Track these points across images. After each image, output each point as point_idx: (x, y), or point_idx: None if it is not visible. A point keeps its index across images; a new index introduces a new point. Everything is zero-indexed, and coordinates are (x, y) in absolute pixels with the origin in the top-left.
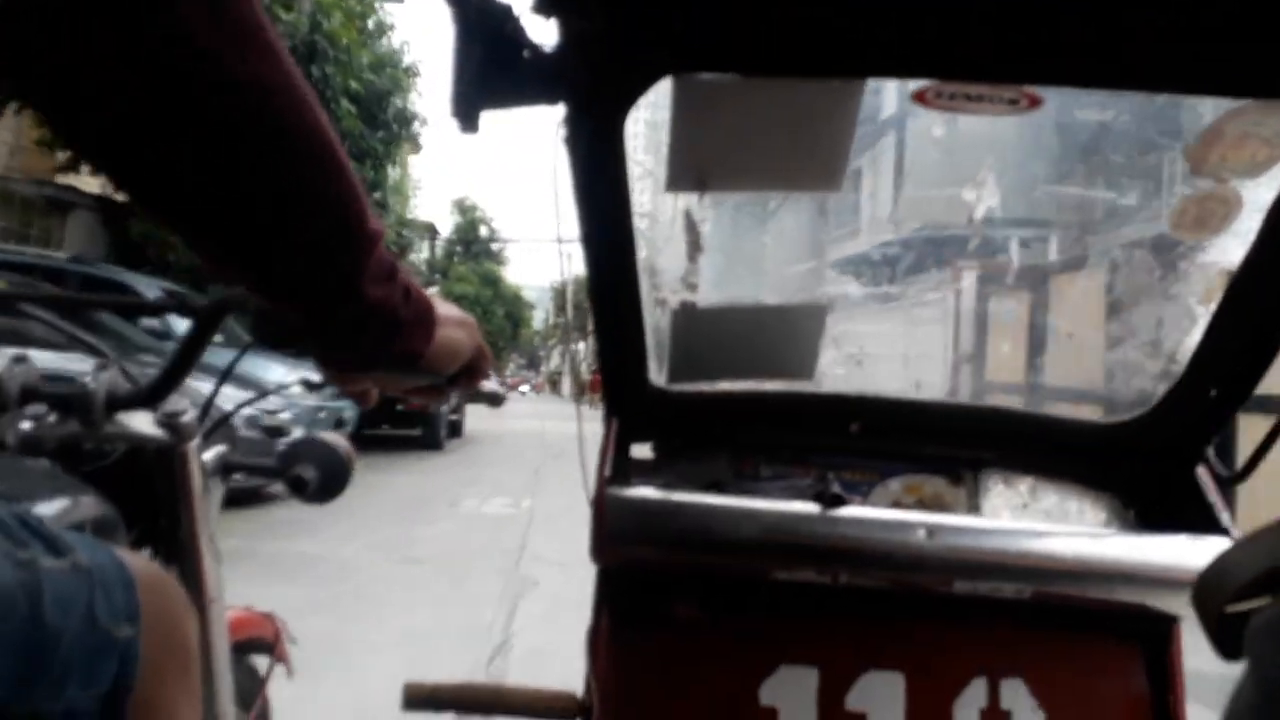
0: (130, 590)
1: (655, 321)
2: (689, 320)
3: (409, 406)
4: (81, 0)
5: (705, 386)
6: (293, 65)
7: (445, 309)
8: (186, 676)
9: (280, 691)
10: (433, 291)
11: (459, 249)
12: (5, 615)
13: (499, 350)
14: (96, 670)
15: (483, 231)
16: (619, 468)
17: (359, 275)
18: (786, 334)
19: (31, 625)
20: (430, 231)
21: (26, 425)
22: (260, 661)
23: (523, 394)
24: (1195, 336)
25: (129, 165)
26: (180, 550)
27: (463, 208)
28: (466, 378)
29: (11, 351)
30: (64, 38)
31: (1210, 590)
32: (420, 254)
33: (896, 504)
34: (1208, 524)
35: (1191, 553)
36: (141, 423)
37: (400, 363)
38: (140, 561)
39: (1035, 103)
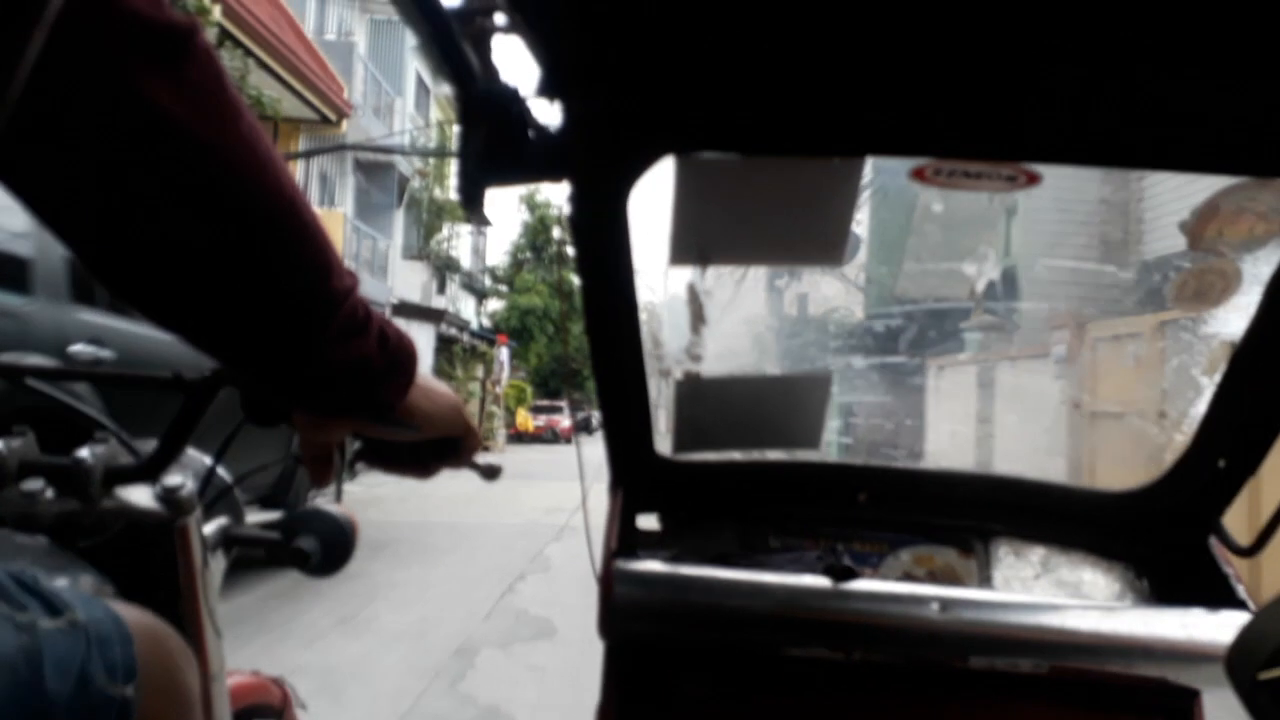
0: (128, 646)
1: (660, 392)
2: (693, 390)
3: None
4: (39, 67)
5: (711, 456)
6: (256, 126)
7: (433, 381)
8: None
9: None
10: (494, 307)
11: (528, 254)
12: (7, 683)
13: (582, 379)
14: None
15: (556, 233)
16: (625, 539)
17: (323, 336)
18: (792, 404)
19: (31, 692)
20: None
21: (22, 501)
22: None
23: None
24: (1200, 407)
25: (80, 227)
26: (180, 626)
27: (532, 203)
28: (453, 455)
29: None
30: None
31: (1243, 657)
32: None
33: (907, 575)
34: (1223, 595)
35: (1210, 626)
36: (140, 497)
37: (373, 411)
38: (136, 614)
39: (1033, 179)
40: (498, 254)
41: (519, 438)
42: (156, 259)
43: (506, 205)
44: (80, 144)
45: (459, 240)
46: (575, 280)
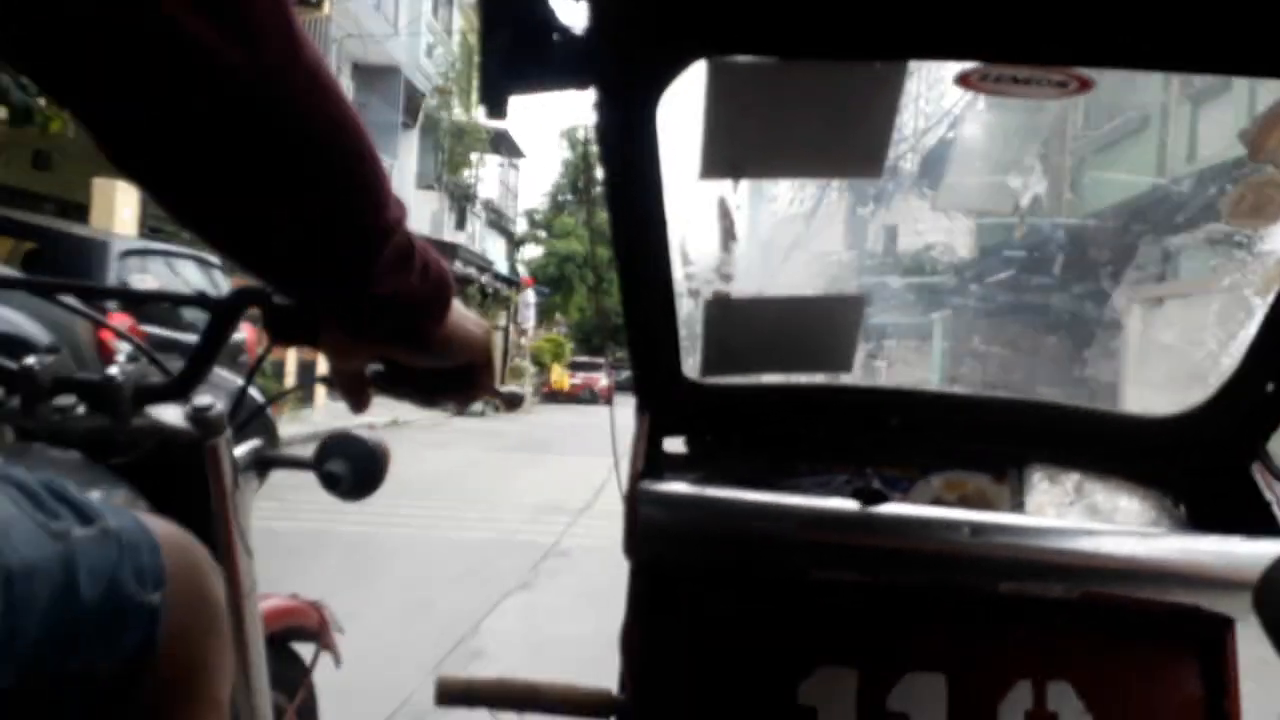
0: (155, 554)
1: (688, 313)
2: (723, 312)
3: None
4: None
5: (740, 380)
6: (316, 52)
7: (461, 306)
8: (214, 637)
9: None
10: (532, 255)
11: (569, 195)
12: (43, 590)
13: (624, 335)
14: (122, 636)
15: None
16: (652, 462)
17: (373, 267)
18: (824, 326)
19: (66, 598)
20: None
21: (57, 417)
22: (305, 650)
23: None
24: (1251, 329)
25: (136, 150)
26: (212, 546)
27: (573, 140)
28: (472, 384)
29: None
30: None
31: (1273, 589)
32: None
33: (938, 501)
34: (1264, 523)
35: (1248, 553)
36: (171, 416)
37: (411, 341)
38: (164, 525)
39: (1085, 85)
40: (535, 196)
41: (553, 396)
42: (220, 180)
43: (546, 141)
44: (138, 76)
45: (484, 170)
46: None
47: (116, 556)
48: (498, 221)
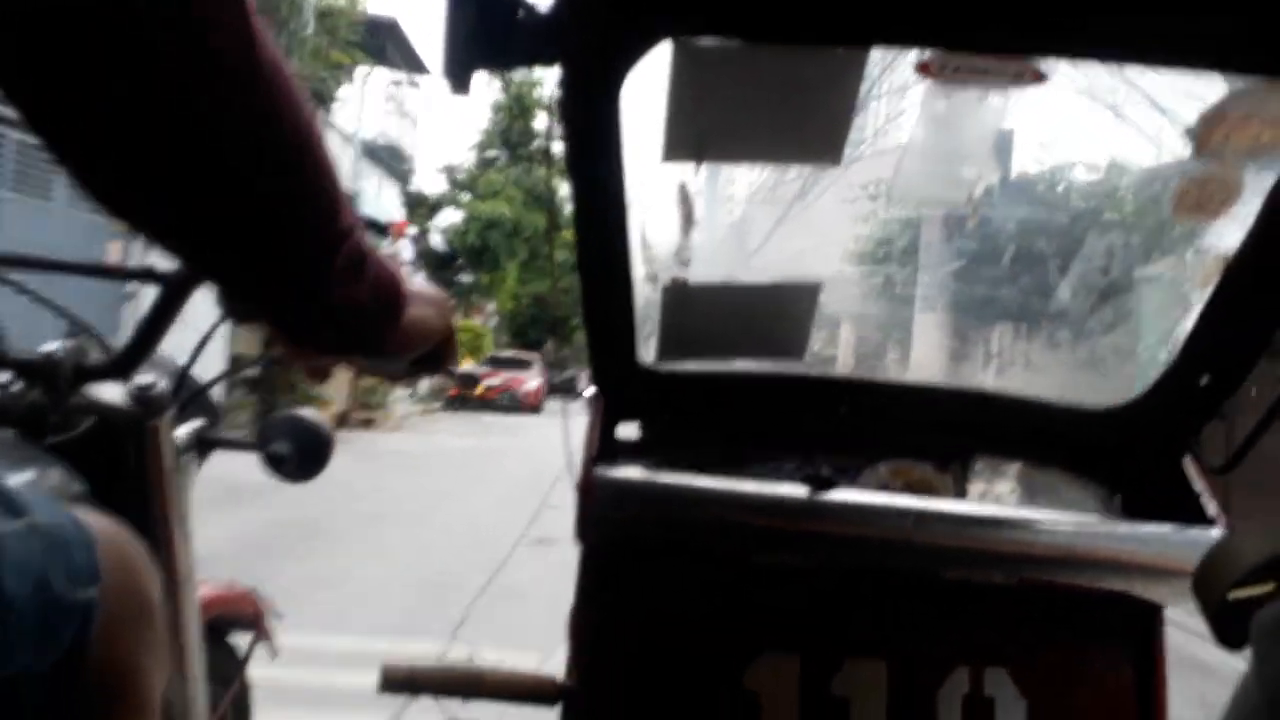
0: (89, 551)
1: (645, 298)
2: (680, 297)
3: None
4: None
5: (694, 366)
6: (276, 53)
7: (418, 285)
8: (149, 634)
9: None
10: (447, 218)
11: (500, 149)
12: None
13: (570, 328)
14: (52, 635)
15: (539, 123)
16: (605, 447)
17: (326, 275)
18: (778, 313)
19: None
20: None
21: None
22: (241, 639)
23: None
24: (1188, 323)
25: (89, 145)
26: (151, 528)
27: (506, 86)
28: (433, 363)
29: None
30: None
31: (1212, 576)
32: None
33: (884, 487)
34: (1195, 514)
35: (1178, 542)
36: (111, 394)
37: (364, 349)
38: (100, 520)
39: (1039, 77)
40: (458, 151)
41: (459, 402)
42: (171, 183)
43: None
44: (92, 76)
45: (359, 80)
46: (561, 186)
47: (45, 553)
48: (384, 156)
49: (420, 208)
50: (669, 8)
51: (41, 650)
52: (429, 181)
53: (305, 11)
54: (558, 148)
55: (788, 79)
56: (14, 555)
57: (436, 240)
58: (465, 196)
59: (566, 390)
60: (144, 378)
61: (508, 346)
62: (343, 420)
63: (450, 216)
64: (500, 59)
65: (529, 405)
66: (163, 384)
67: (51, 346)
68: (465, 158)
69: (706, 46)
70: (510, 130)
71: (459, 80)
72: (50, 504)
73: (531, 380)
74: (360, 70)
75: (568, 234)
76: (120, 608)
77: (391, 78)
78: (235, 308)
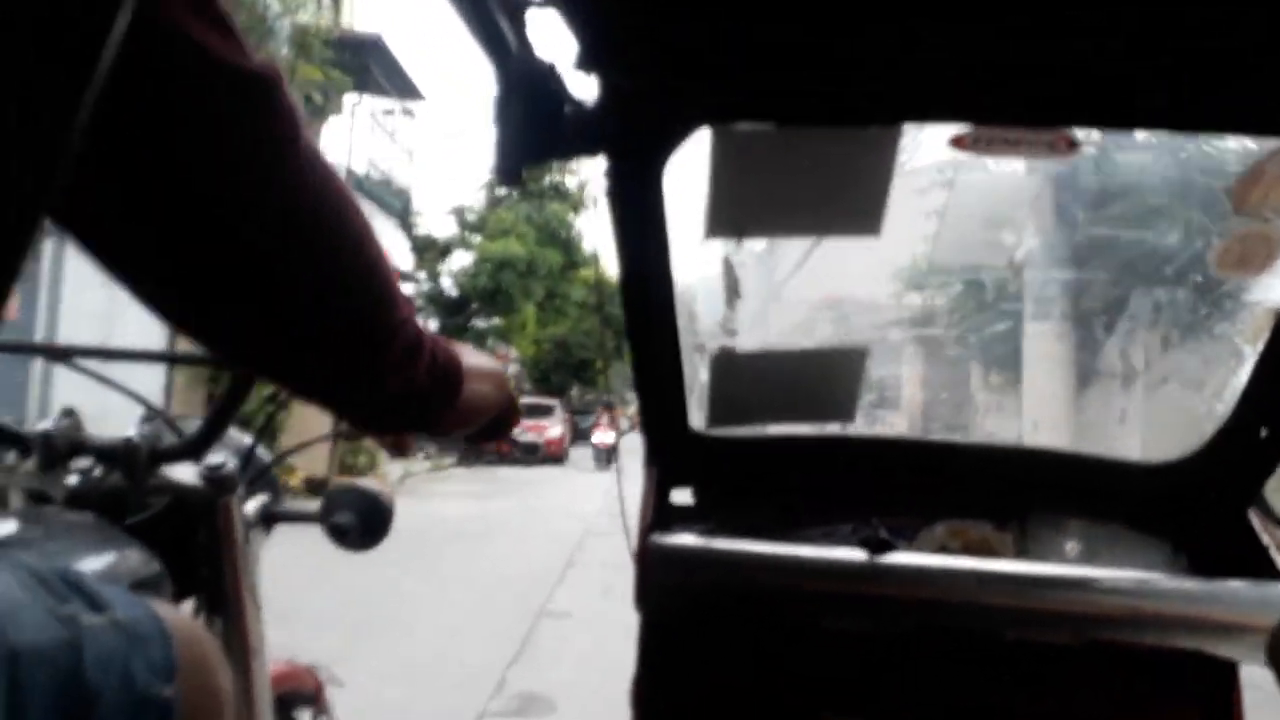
0: (168, 646)
1: (694, 367)
2: (728, 365)
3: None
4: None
5: (745, 431)
6: (329, 164)
7: (473, 359)
8: None
9: None
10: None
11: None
12: (48, 673)
13: (594, 371)
14: None
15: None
16: (660, 515)
17: (383, 367)
18: (827, 377)
19: (72, 683)
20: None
21: (73, 479)
22: (303, 715)
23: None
24: (1243, 376)
25: (157, 268)
26: (223, 602)
27: None
28: (494, 431)
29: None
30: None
31: None
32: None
33: (942, 549)
34: (1263, 567)
35: (1248, 598)
36: (185, 475)
37: (425, 428)
38: (175, 615)
39: (1073, 146)
40: (466, 190)
41: (475, 455)
42: (234, 294)
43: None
44: (161, 187)
45: (351, 111)
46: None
47: (127, 646)
48: (377, 192)
49: (429, 251)
50: (706, 98)
51: None
52: (437, 224)
53: (279, 31)
54: (571, 181)
55: (822, 156)
56: (98, 650)
57: (447, 284)
58: (476, 238)
59: (585, 436)
60: (214, 458)
61: (530, 394)
62: (319, 487)
63: (461, 259)
64: (549, 152)
65: (551, 454)
66: (232, 463)
67: (130, 432)
68: (474, 198)
69: (743, 130)
70: None
71: (510, 175)
72: (128, 597)
73: (553, 428)
74: (348, 97)
75: (585, 273)
76: (196, 703)
77: (380, 105)
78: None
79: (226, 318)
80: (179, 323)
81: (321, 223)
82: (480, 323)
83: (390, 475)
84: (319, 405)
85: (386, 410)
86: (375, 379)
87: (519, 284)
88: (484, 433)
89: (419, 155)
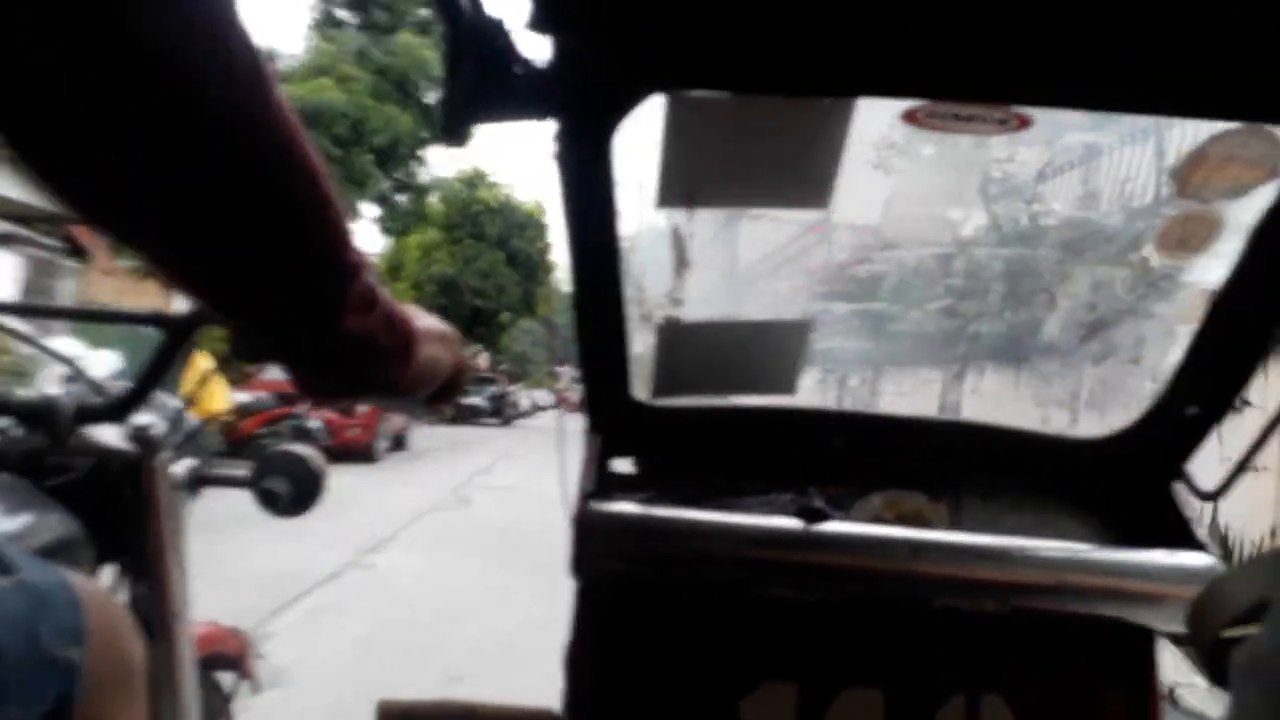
0: (76, 611)
1: (638, 336)
2: (673, 335)
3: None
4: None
5: (688, 401)
6: (281, 93)
7: (425, 322)
8: (132, 698)
9: None
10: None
11: (352, 10)
12: None
13: (499, 324)
14: (38, 689)
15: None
16: (600, 483)
17: (338, 310)
18: (770, 350)
19: None
20: None
21: None
22: (226, 678)
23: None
24: (1175, 356)
25: (94, 185)
26: (147, 565)
27: None
28: (444, 395)
29: None
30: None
31: (1205, 616)
32: None
33: (877, 519)
34: (1184, 540)
35: (1169, 568)
36: (110, 436)
37: (378, 391)
38: (87, 583)
39: (1024, 123)
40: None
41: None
42: (193, 224)
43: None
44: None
45: None
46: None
47: (33, 609)
48: None
49: None
50: (660, 63)
51: (27, 704)
52: None
53: None
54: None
55: (776, 127)
56: (3, 610)
57: None
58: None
59: (496, 412)
60: (141, 419)
61: None
62: None
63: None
64: (497, 113)
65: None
66: (160, 425)
67: (53, 390)
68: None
69: (696, 97)
70: None
71: (456, 133)
72: (39, 563)
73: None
74: None
75: (485, 192)
76: (104, 669)
77: None
78: (244, 347)
79: (191, 245)
80: (127, 238)
81: (283, 142)
82: None
83: None
84: (273, 351)
85: (342, 359)
86: (332, 320)
87: (339, 157)
88: (436, 396)
89: None
